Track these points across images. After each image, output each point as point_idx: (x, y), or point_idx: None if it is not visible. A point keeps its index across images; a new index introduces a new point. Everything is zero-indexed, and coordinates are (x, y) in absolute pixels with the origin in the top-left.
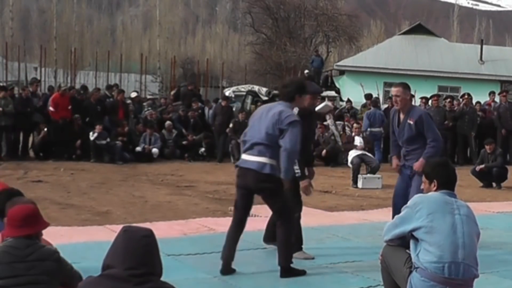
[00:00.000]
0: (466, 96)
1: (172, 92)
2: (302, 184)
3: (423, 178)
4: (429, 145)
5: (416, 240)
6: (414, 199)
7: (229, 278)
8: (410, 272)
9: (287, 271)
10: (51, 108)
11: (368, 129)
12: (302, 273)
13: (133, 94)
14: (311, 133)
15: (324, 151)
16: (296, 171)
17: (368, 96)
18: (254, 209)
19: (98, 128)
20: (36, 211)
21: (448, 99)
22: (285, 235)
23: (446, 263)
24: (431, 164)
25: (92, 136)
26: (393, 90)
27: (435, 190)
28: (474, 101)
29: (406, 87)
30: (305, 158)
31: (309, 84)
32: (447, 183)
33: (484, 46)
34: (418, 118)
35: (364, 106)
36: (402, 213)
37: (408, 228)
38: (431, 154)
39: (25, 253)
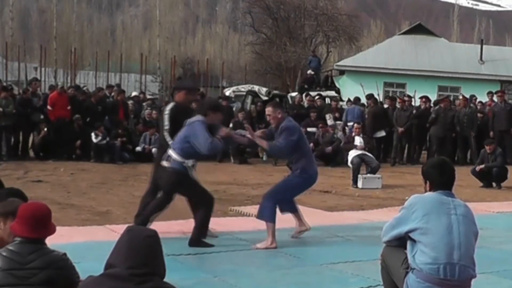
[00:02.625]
0: (461, 98)
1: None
2: None
3: (422, 177)
4: (278, 143)
5: (413, 241)
6: (411, 199)
7: (229, 278)
8: (407, 273)
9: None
10: (48, 107)
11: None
12: (209, 245)
13: (133, 94)
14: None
15: (330, 148)
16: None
17: (369, 96)
18: (254, 209)
19: (100, 130)
20: (49, 214)
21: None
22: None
23: (441, 264)
24: (427, 164)
25: (96, 139)
26: (266, 110)
27: (430, 190)
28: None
29: (275, 105)
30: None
31: (184, 81)
32: (441, 184)
33: (484, 46)
34: (280, 128)
35: (366, 106)
36: (399, 214)
37: (404, 230)
38: (272, 146)
39: (26, 260)
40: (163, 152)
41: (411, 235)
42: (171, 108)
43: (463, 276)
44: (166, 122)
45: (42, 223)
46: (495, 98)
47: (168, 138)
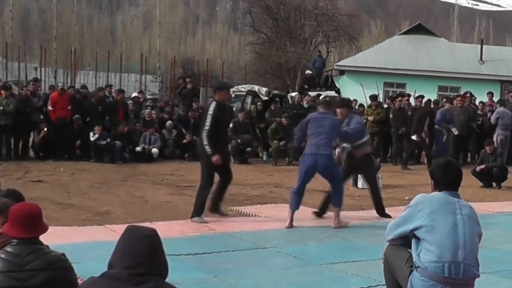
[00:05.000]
0: (468, 95)
1: (178, 91)
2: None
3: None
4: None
5: (418, 239)
6: (417, 198)
7: (229, 278)
8: (411, 271)
9: None
10: (49, 107)
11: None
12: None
13: (134, 94)
14: (228, 121)
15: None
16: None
17: (373, 97)
18: (254, 209)
19: (97, 129)
20: (41, 212)
21: (445, 99)
22: None
23: (446, 262)
24: (434, 164)
25: (92, 137)
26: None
27: (434, 190)
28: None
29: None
30: (223, 141)
31: (223, 82)
32: (445, 184)
33: (484, 46)
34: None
35: (369, 107)
36: (404, 213)
37: (409, 227)
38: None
39: (25, 261)
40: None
41: (416, 233)
42: (214, 108)
43: (467, 275)
44: (208, 122)
45: (35, 222)
46: (495, 99)
47: (205, 139)
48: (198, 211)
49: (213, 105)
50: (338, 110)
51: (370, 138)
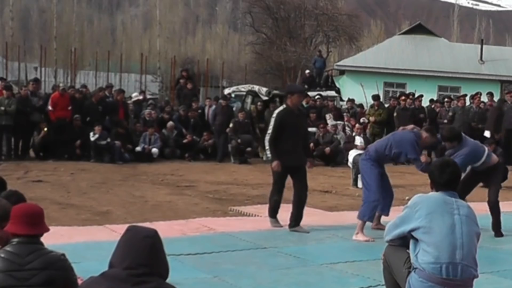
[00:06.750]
0: (478, 96)
1: (176, 93)
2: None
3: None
4: None
5: (416, 240)
6: (414, 199)
7: (229, 278)
8: (409, 272)
9: None
10: (49, 107)
11: None
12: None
13: (134, 94)
14: (301, 128)
15: (328, 149)
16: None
17: (375, 97)
18: (254, 209)
19: (97, 129)
20: (42, 212)
21: (446, 99)
22: None
23: (444, 263)
24: (432, 164)
25: (92, 137)
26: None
27: (432, 189)
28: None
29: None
30: (293, 148)
31: (294, 85)
32: (441, 184)
33: (484, 46)
34: None
35: (371, 106)
36: (402, 213)
37: (407, 228)
38: None
39: (25, 261)
40: None
41: (414, 234)
42: (280, 111)
43: (465, 276)
44: (271, 126)
45: (36, 220)
46: (495, 99)
47: (266, 144)
48: (270, 215)
49: (279, 109)
50: (446, 144)
51: (371, 139)
